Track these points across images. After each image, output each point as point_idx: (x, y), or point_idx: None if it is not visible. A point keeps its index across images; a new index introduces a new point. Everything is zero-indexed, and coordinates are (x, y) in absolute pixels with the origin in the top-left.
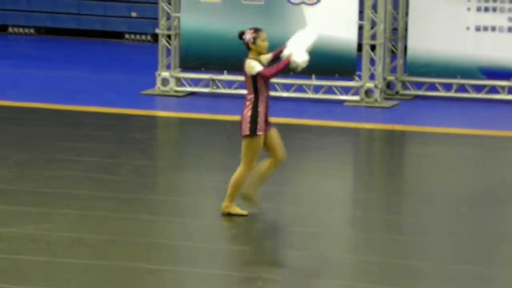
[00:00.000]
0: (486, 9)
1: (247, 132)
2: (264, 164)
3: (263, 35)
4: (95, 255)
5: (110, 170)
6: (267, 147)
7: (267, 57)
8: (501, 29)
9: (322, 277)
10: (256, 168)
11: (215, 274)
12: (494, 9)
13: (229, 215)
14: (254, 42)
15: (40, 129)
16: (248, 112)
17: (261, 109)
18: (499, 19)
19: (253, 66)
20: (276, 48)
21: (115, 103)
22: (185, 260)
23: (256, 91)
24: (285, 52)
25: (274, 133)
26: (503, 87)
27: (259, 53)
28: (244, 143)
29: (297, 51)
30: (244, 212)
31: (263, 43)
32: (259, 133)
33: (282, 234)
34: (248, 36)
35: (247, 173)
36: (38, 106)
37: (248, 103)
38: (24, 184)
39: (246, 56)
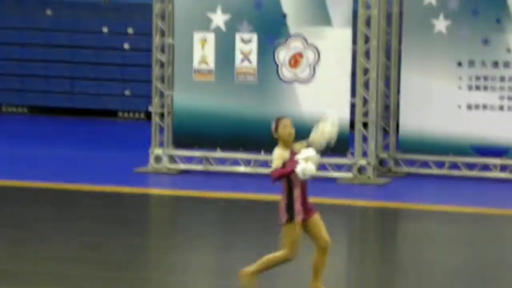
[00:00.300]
0: (477, 88)
1: (284, 220)
2: (314, 256)
3: (283, 122)
4: None
5: (103, 249)
6: (309, 235)
7: (302, 145)
8: (492, 107)
9: None
10: (312, 263)
11: None
12: (485, 88)
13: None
14: (276, 131)
15: (33, 208)
16: (283, 201)
17: (296, 196)
18: (490, 98)
19: (274, 158)
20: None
21: (108, 181)
22: None
23: (289, 181)
24: (299, 156)
25: (315, 220)
26: (495, 165)
27: (286, 142)
28: (282, 230)
29: (304, 160)
30: None
31: (284, 130)
32: (297, 220)
33: None
34: (272, 126)
35: (285, 258)
36: (30, 185)
37: (283, 191)
38: (17, 263)
39: (237, 133)
